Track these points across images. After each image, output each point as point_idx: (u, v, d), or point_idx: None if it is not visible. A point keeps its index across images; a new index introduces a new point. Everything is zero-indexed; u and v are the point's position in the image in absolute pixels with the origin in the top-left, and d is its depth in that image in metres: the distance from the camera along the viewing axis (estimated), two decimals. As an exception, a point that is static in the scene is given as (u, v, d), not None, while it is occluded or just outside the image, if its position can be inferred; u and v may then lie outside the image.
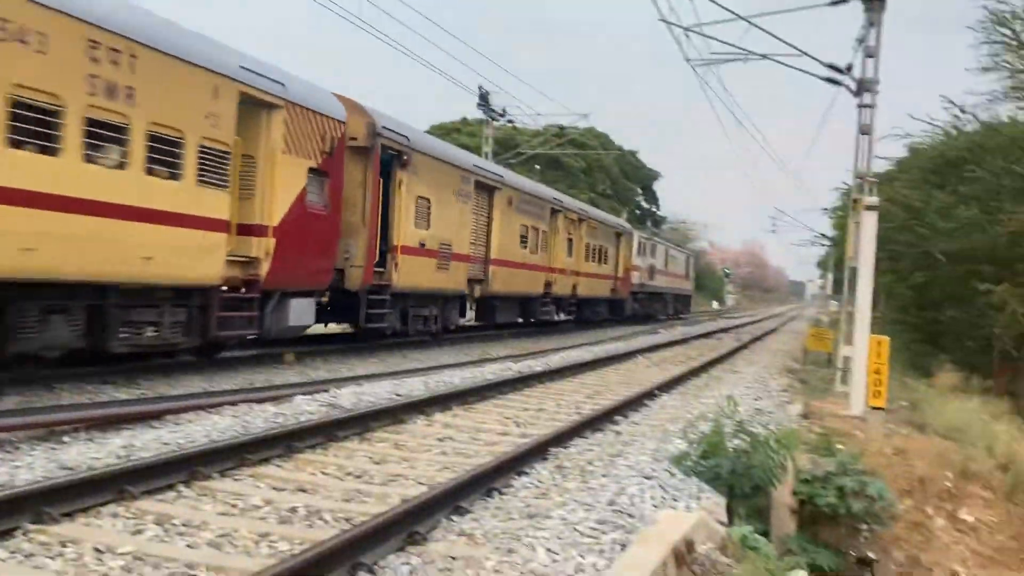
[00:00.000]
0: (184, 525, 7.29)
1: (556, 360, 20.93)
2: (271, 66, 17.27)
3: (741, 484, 9.48)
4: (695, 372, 20.64)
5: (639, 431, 12.32)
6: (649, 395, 15.71)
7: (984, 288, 25.02)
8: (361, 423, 11.39)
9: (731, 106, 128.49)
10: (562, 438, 11.31)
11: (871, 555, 11.57)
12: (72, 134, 12.79)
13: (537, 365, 19.14)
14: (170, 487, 8.29)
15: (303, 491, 8.53)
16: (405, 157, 21.83)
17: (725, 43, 20.64)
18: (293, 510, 7.86)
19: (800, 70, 16.64)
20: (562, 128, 46.63)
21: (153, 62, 14.06)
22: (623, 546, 7.19)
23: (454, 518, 7.89)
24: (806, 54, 19.79)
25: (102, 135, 13.41)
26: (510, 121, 39.08)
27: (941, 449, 15.06)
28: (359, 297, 20.96)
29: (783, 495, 10.70)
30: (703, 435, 10.41)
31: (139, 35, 13.74)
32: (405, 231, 22.21)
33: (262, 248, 17.09)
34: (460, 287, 25.65)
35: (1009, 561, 12.95)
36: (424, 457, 10.14)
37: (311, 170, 18.15)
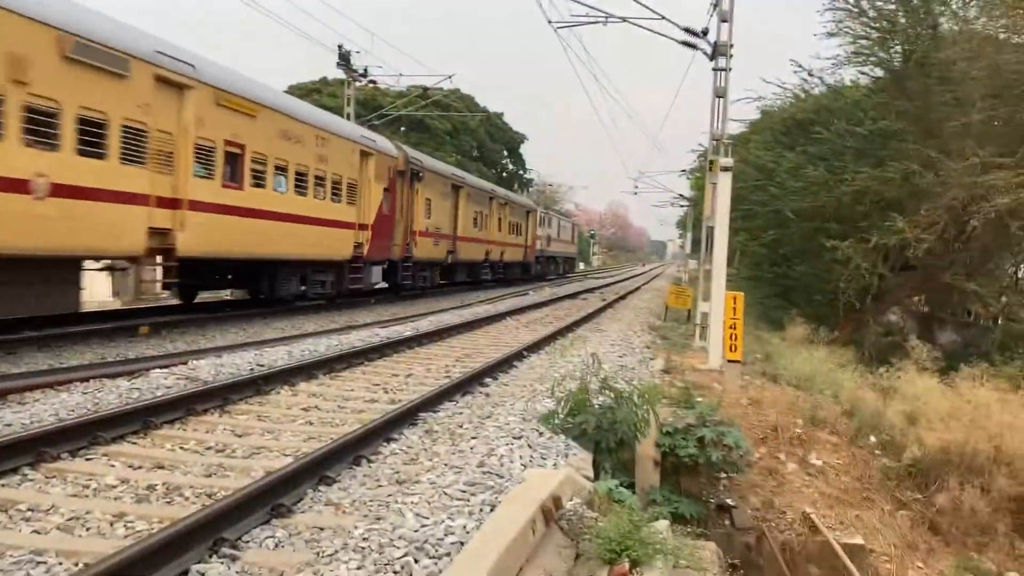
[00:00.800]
0: (30, 510, 6.79)
1: (425, 324, 20.17)
2: (380, 136, 28.39)
3: (607, 439, 9.33)
4: (562, 332, 19.98)
5: (508, 392, 11.95)
6: (518, 356, 15.09)
7: (830, 244, 25.12)
8: (221, 395, 10.68)
9: (593, 69, 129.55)
10: (431, 402, 10.84)
11: (729, 502, 11.62)
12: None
13: (406, 330, 18.42)
14: (14, 471, 7.66)
15: (161, 468, 8.04)
16: (420, 174, 31.25)
17: (585, 4, 20.45)
18: (151, 488, 7.40)
19: (659, 34, 16.62)
20: (426, 89, 45.72)
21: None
22: (492, 507, 6.99)
23: (321, 488, 7.54)
24: (664, 18, 19.54)
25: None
26: (372, 82, 38.20)
27: (792, 398, 15.23)
28: (397, 264, 29.93)
29: (647, 448, 10.63)
30: (569, 393, 10.18)
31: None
32: (420, 221, 31.65)
33: (364, 237, 25.97)
34: (444, 256, 35.01)
35: (853, 500, 13.05)
36: (289, 428, 9.58)
37: (384, 189, 27.39)
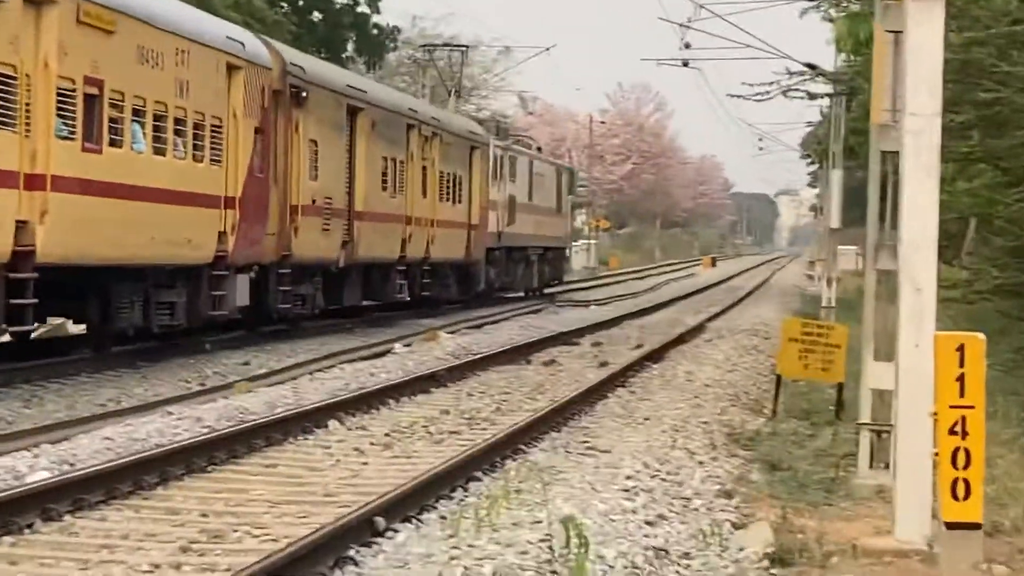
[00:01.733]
0: None
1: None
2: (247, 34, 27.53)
3: None
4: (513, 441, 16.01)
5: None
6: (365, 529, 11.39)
7: None
8: None
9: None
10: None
11: None
12: None
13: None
14: None
15: None
16: (304, 94, 28.49)
17: None
18: None
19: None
20: None
21: None
22: None
23: None
24: None
25: None
26: None
27: None
28: (269, 271, 28.30)
29: None
30: None
31: None
32: (304, 186, 29.41)
33: (231, 221, 25.15)
34: (335, 255, 31.56)
35: None
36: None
37: (255, 130, 26.10)
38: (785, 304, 51.60)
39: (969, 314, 26.80)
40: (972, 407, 10.76)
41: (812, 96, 33.73)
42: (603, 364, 25.66)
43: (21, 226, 18.31)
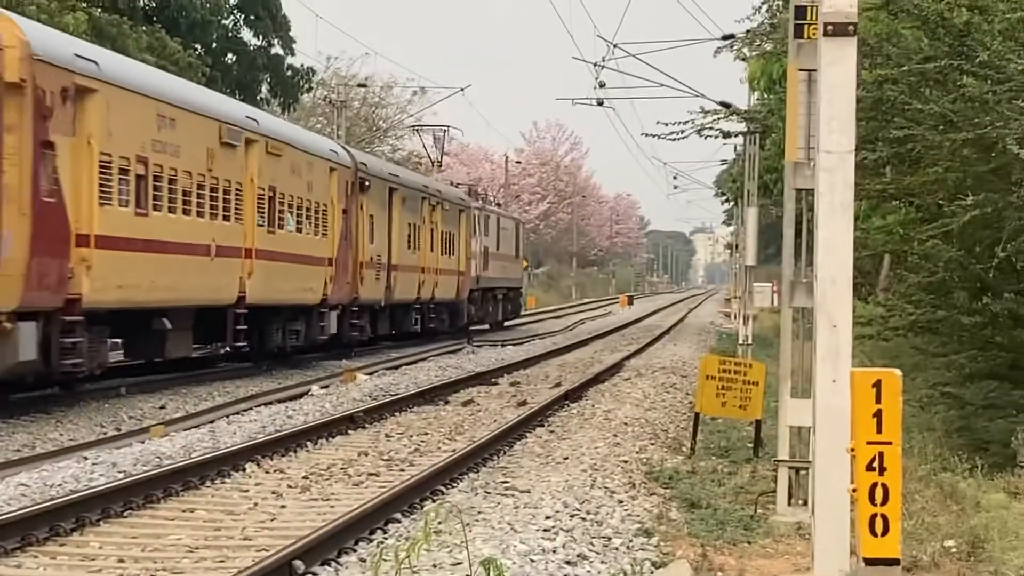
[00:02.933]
0: None
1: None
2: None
3: None
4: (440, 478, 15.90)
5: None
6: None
7: None
8: None
9: None
10: None
11: None
12: None
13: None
14: None
15: None
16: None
17: None
18: None
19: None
20: None
21: None
22: None
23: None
24: None
25: None
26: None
27: None
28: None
29: None
30: None
31: None
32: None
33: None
34: (381, 296, 42.45)
35: None
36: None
37: None
38: (702, 342, 51.15)
39: (885, 350, 26.77)
40: (889, 443, 10.67)
41: (726, 135, 33.49)
42: (521, 403, 25.28)
43: (243, 279, 28.40)
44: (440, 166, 66.59)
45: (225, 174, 27.99)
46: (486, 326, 58.39)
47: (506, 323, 62.92)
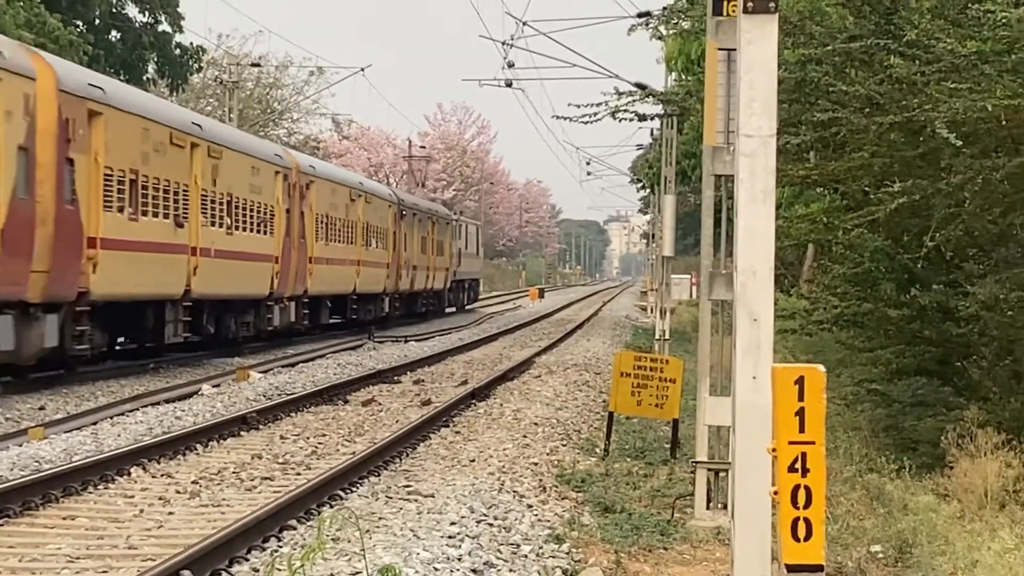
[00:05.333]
0: None
1: None
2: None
3: None
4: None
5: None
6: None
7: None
8: None
9: None
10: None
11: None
12: None
13: None
14: None
15: None
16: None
17: None
18: None
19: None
20: None
21: None
22: None
23: None
24: None
25: None
26: None
27: None
28: None
29: None
30: None
31: None
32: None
33: None
34: None
35: None
36: None
37: None
38: (617, 337, 51.46)
39: (808, 345, 27.02)
40: (813, 443, 10.60)
41: (642, 117, 33.49)
42: (426, 403, 25.40)
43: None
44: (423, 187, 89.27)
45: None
46: (454, 308, 77.15)
47: (467, 306, 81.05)
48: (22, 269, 24.72)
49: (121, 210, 28.93)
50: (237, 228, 36.38)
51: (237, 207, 36.06)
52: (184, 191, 32.33)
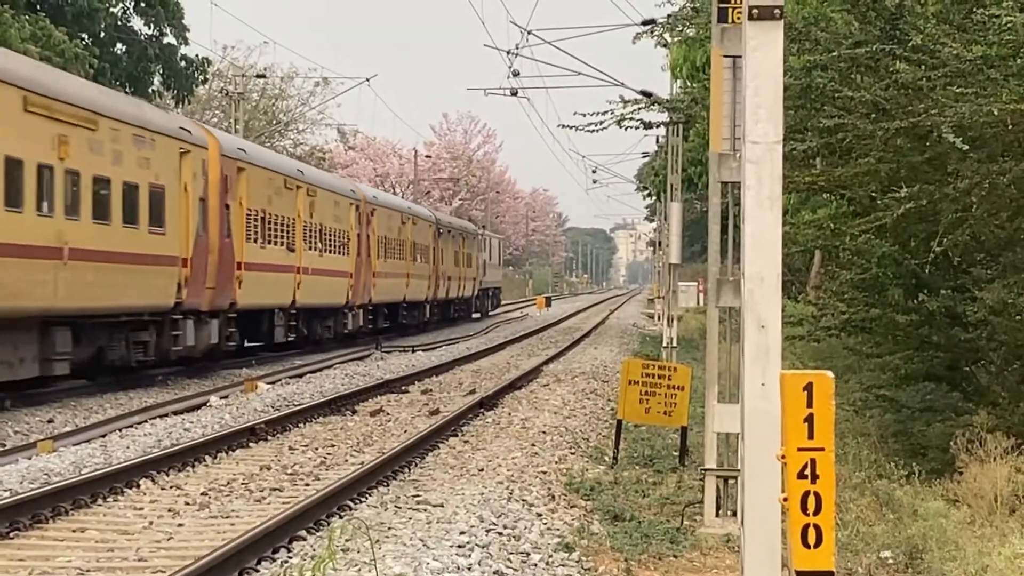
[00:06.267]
0: None
1: None
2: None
3: None
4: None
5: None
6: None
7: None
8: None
9: None
10: None
11: None
12: None
13: None
14: None
15: None
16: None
17: None
18: None
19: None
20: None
21: None
22: None
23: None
24: None
25: None
26: None
27: None
28: None
29: None
30: None
31: None
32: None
33: None
34: None
35: None
36: None
37: None
38: (625, 345, 51.33)
39: (817, 351, 26.87)
40: (822, 449, 10.54)
41: (648, 125, 33.33)
42: (434, 412, 25.26)
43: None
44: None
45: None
46: (478, 314, 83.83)
47: (490, 312, 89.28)
48: (202, 286, 32.78)
49: (256, 240, 37.57)
50: (326, 251, 44.93)
51: (325, 233, 44.60)
52: (291, 223, 40.60)
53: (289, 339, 42.03)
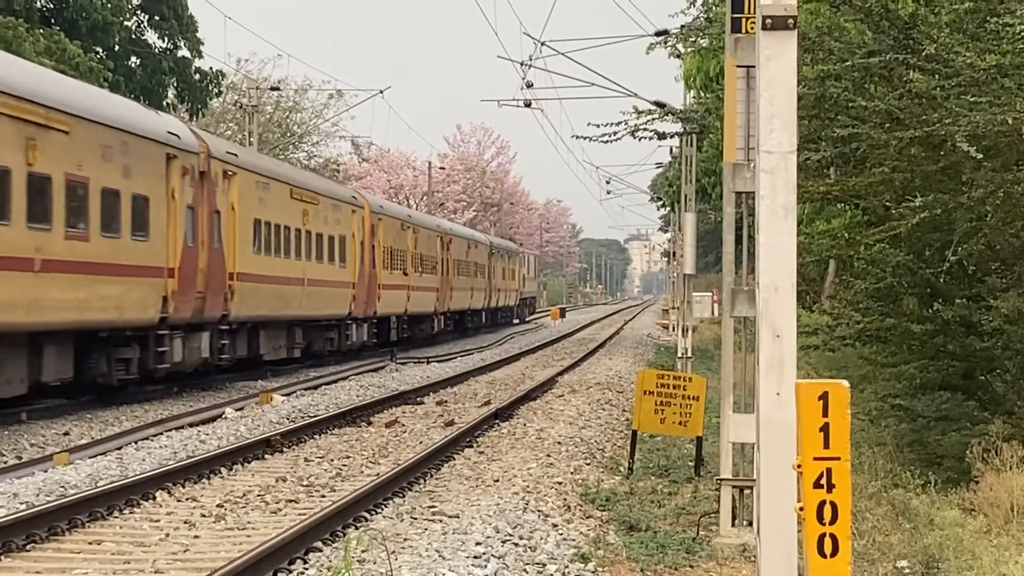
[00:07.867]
0: None
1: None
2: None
3: None
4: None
5: None
6: None
7: None
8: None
9: None
10: None
11: None
12: None
13: None
14: None
15: None
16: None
17: None
18: None
19: None
20: None
21: None
22: None
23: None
24: None
25: None
26: None
27: None
28: None
29: None
30: None
31: None
32: None
33: None
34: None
35: None
36: None
37: None
38: (639, 355, 51.02)
39: (832, 361, 26.65)
40: (838, 458, 10.45)
41: (661, 136, 33.11)
42: (449, 423, 25.14)
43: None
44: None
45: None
46: (516, 321, 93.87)
47: (527, 318, 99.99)
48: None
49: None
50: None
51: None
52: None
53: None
